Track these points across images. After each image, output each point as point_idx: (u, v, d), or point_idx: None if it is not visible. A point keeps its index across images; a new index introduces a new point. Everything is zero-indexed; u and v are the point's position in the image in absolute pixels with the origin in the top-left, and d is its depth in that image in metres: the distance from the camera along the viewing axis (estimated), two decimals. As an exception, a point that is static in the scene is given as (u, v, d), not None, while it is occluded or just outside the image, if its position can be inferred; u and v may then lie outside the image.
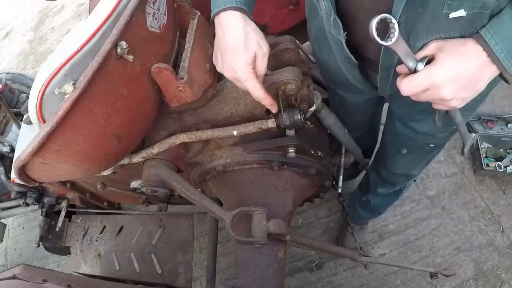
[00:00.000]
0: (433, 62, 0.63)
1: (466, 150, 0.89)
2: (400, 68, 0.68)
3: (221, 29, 0.76)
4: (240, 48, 0.74)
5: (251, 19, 0.77)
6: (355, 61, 0.83)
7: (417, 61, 0.64)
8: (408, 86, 0.65)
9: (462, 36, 0.65)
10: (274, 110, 0.87)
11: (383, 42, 0.61)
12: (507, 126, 2.09)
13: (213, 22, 0.79)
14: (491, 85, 0.90)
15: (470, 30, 0.64)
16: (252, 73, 0.77)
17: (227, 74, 0.79)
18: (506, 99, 2.26)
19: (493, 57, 0.60)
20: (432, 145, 1.12)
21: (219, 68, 0.81)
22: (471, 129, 2.10)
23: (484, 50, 0.60)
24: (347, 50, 0.79)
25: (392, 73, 0.80)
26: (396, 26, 0.60)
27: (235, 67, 0.75)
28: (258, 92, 0.80)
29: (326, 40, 0.84)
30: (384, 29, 0.61)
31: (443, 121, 0.83)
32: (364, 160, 1.50)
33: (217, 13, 0.75)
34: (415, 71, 0.64)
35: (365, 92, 1.06)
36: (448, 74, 0.61)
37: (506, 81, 0.66)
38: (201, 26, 1.00)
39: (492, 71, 0.62)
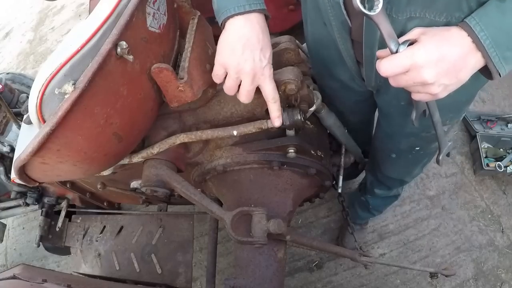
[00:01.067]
0: (415, 43, 0.62)
1: (440, 157, 0.87)
2: (381, 52, 0.67)
3: (250, 26, 0.77)
4: (269, 49, 0.79)
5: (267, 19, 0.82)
6: (350, 25, 0.80)
7: (399, 44, 0.63)
8: (388, 66, 0.63)
9: (448, 23, 0.65)
10: (280, 120, 0.88)
11: (365, 11, 0.59)
12: (507, 126, 2.10)
13: (229, 18, 0.77)
14: (477, 85, 0.90)
15: (456, 14, 0.64)
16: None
17: (248, 69, 0.77)
18: (506, 99, 2.26)
19: (478, 43, 0.59)
20: (417, 148, 1.11)
21: (234, 62, 0.78)
22: (471, 129, 2.10)
23: (468, 35, 0.60)
24: (344, 11, 0.78)
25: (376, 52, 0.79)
26: None
27: (264, 65, 0.78)
28: (277, 94, 0.84)
29: (323, 7, 0.83)
30: (369, 2, 0.60)
31: (420, 120, 0.82)
32: (364, 160, 1.50)
33: (247, 12, 0.76)
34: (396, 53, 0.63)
35: (353, 89, 1.05)
36: (431, 55, 0.60)
37: (489, 76, 0.65)
38: (201, 26, 1.00)
39: (476, 59, 0.61)
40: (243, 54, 0.77)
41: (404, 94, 0.86)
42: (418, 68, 0.61)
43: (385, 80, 0.87)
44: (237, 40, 0.77)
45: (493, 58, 0.60)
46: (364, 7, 0.59)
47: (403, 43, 0.63)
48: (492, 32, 0.58)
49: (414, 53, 0.61)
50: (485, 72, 0.64)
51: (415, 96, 0.69)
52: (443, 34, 0.62)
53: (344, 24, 0.81)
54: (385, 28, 0.61)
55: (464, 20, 0.61)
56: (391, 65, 0.63)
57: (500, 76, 0.64)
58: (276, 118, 0.87)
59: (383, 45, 0.72)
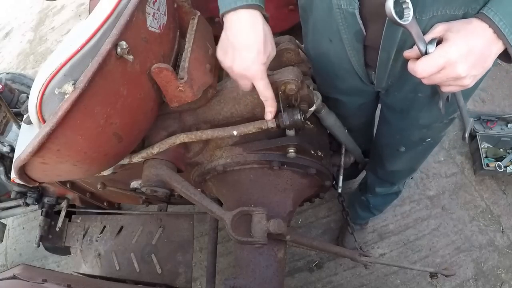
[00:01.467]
0: (444, 41, 0.65)
1: (467, 134, 0.92)
2: (408, 53, 0.70)
3: (239, 25, 0.75)
4: (260, 48, 0.75)
5: (266, 18, 0.79)
6: (364, 33, 0.81)
7: (427, 44, 0.65)
8: (425, 67, 0.65)
9: (465, 14, 0.69)
10: (272, 114, 0.88)
11: (401, 21, 0.61)
12: (507, 126, 2.10)
13: (223, 16, 0.77)
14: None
15: (473, 6, 0.67)
16: (265, 73, 0.79)
17: (238, 71, 0.78)
18: (506, 99, 2.26)
19: (498, 32, 0.62)
20: (428, 140, 1.12)
21: (227, 64, 0.80)
22: (471, 129, 2.10)
23: (490, 27, 0.63)
24: (360, 21, 0.78)
25: (393, 56, 0.80)
26: (411, 5, 0.61)
27: (251, 65, 0.76)
28: (269, 92, 0.82)
29: (330, 22, 0.83)
30: (397, 10, 0.62)
31: (433, 112, 0.86)
32: (364, 160, 1.50)
33: (235, 8, 0.74)
34: (425, 53, 0.66)
35: (359, 93, 1.06)
36: (461, 50, 0.63)
37: (509, 60, 0.68)
38: (201, 26, 1.00)
39: (498, 47, 0.65)
40: (229, 55, 0.78)
41: (422, 87, 0.88)
42: (453, 65, 0.64)
43: (398, 78, 0.89)
44: (226, 39, 0.78)
45: None
46: (398, 17, 0.61)
47: (431, 42, 0.65)
48: (510, 20, 0.62)
49: (447, 51, 0.63)
50: (504, 57, 0.68)
51: (445, 89, 0.72)
52: (466, 28, 0.65)
53: (357, 34, 0.81)
54: (415, 31, 0.64)
55: (482, 11, 0.64)
56: (427, 66, 0.65)
57: None
58: (268, 113, 0.87)
59: (401, 47, 0.75)
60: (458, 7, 0.69)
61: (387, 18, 0.71)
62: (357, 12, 0.76)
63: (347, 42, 0.85)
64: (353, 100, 1.11)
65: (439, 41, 0.66)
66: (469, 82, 0.67)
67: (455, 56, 0.63)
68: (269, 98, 0.83)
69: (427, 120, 1.01)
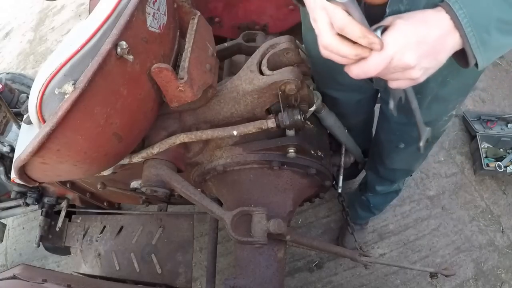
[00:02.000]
0: (390, 28, 0.59)
1: (421, 144, 0.85)
2: None
3: None
4: None
5: None
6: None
7: (373, 30, 0.58)
8: (376, 57, 0.58)
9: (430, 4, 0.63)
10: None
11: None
12: (507, 126, 2.10)
13: None
14: (475, 75, 0.89)
15: None
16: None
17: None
18: (506, 99, 2.26)
19: (456, 21, 0.57)
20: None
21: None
22: (471, 129, 2.10)
23: (447, 12, 0.58)
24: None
25: None
26: None
27: None
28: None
29: None
30: None
31: (399, 108, 0.81)
32: (364, 160, 1.50)
33: None
34: None
35: (358, 89, 1.05)
36: (410, 38, 0.58)
37: (466, 64, 0.62)
38: (201, 26, 1.00)
39: (454, 40, 0.59)
40: None
41: (421, 85, 0.86)
42: (399, 53, 0.58)
43: None
44: None
45: (470, 39, 0.58)
46: None
47: (377, 29, 0.60)
48: (470, 10, 0.56)
49: (394, 38, 0.57)
50: (462, 60, 0.63)
51: (393, 84, 0.66)
52: (418, 17, 0.60)
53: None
54: (357, 16, 0.57)
55: (447, 0, 0.59)
56: (378, 55, 0.59)
57: (477, 67, 0.61)
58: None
59: None
60: None
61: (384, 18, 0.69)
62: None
63: None
64: (351, 97, 1.11)
65: (385, 28, 0.59)
66: (419, 75, 0.61)
67: (402, 42, 0.57)
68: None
69: (427, 117, 1.00)
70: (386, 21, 0.61)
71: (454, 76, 0.86)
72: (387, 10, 0.67)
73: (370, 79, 0.96)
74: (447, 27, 0.58)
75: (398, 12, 0.67)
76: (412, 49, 0.58)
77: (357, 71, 0.61)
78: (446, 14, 0.58)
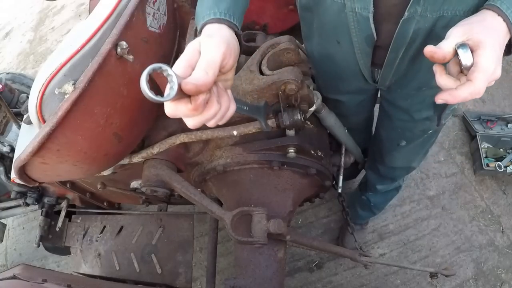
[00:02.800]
0: (480, 47, 0.58)
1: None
2: (431, 48, 0.60)
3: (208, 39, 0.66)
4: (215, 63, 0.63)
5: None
6: (375, 37, 0.80)
7: (458, 47, 0.57)
8: (483, 80, 0.58)
9: (476, 9, 0.65)
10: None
11: (157, 98, 0.49)
12: (507, 126, 2.10)
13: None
14: None
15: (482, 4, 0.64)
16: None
17: None
18: (506, 99, 2.26)
19: (508, 22, 0.60)
20: (431, 131, 1.12)
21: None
22: (471, 129, 2.10)
23: (504, 21, 0.60)
24: (372, 25, 0.77)
25: (401, 54, 0.80)
26: (175, 78, 0.49)
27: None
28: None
29: (340, 23, 0.82)
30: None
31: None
32: (364, 160, 1.50)
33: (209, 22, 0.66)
34: (457, 54, 0.58)
35: (360, 91, 1.06)
36: (497, 52, 0.59)
37: (508, 52, 0.65)
38: (201, 26, 1.00)
39: (508, 37, 0.62)
40: None
41: (427, 82, 0.88)
42: (495, 70, 0.59)
43: (403, 76, 0.89)
44: None
45: None
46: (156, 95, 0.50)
47: (462, 46, 0.57)
48: None
49: (490, 57, 0.57)
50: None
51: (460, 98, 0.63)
52: (487, 27, 0.60)
53: (368, 38, 0.81)
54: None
55: (492, 3, 0.61)
56: (484, 79, 0.58)
57: None
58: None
59: (410, 45, 0.76)
60: (468, 9, 0.66)
61: (402, 20, 0.71)
62: (371, 16, 0.76)
63: (357, 45, 0.84)
64: (353, 99, 1.11)
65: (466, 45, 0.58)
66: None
67: (495, 59, 0.57)
68: None
69: (431, 112, 1.01)
70: (457, 36, 0.59)
71: None
72: (406, 13, 0.70)
73: (375, 81, 0.97)
74: (505, 29, 0.61)
75: (416, 13, 0.70)
76: (499, 62, 0.59)
77: (465, 95, 0.59)
78: (499, 17, 0.60)
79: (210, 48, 0.56)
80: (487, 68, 0.57)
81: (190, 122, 0.58)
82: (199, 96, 0.53)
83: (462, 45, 0.57)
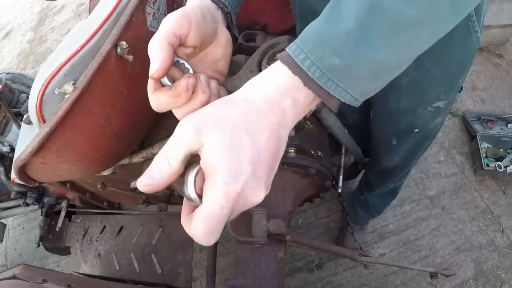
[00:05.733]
0: (206, 177, 0.43)
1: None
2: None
3: None
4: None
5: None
6: None
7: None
8: (199, 226, 0.45)
9: None
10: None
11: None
12: (507, 126, 2.10)
13: None
14: (468, 52, 0.85)
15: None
16: None
17: None
18: (506, 99, 2.27)
19: (297, 71, 0.46)
20: (416, 130, 1.10)
21: None
22: (471, 129, 2.10)
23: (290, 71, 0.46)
24: None
25: None
26: None
27: None
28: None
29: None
30: None
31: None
32: (364, 160, 1.50)
33: None
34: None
35: None
36: (232, 173, 0.41)
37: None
38: (201, 26, 1.00)
39: (301, 95, 0.47)
40: None
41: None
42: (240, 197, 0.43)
43: None
44: None
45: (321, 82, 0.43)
46: None
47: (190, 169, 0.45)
48: (313, 44, 0.44)
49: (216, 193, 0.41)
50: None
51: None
52: (225, 123, 0.42)
53: None
54: None
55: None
56: (204, 225, 0.44)
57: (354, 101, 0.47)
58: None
59: None
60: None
61: None
62: None
63: None
64: None
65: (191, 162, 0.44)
66: (265, 194, 0.45)
67: (228, 193, 0.40)
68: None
69: (409, 103, 0.99)
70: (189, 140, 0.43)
71: (433, 62, 0.84)
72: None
73: None
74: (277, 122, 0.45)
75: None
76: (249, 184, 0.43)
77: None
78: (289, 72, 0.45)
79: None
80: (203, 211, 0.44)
81: (178, 114, 0.50)
82: (179, 82, 0.48)
83: (190, 168, 0.46)
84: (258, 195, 0.44)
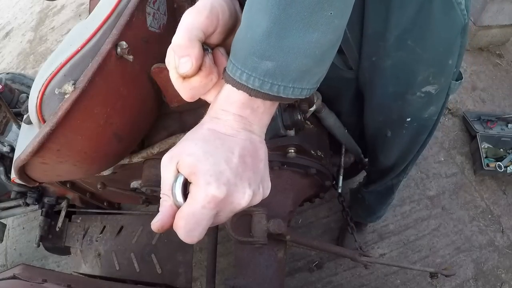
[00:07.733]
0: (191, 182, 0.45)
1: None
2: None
3: None
4: None
5: None
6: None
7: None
8: (185, 223, 0.46)
9: None
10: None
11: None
12: (507, 126, 2.10)
13: None
14: (454, 29, 0.82)
15: None
16: None
17: None
18: (506, 99, 2.27)
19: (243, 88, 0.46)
20: (409, 119, 1.05)
21: None
22: (471, 129, 2.10)
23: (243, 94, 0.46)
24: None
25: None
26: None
27: None
28: None
29: None
30: None
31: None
32: (364, 160, 1.50)
33: None
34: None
35: (338, 81, 1.04)
36: (210, 178, 0.44)
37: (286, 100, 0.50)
38: (201, 26, 1.00)
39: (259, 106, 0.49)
40: None
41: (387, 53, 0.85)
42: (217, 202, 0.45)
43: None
44: None
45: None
46: None
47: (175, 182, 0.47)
48: (243, 57, 0.44)
49: (195, 196, 0.44)
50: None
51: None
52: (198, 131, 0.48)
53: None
54: None
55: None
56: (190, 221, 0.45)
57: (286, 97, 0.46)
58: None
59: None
60: None
61: None
62: None
63: (348, 27, 0.84)
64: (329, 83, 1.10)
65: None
66: (250, 199, 0.47)
67: (209, 193, 0.42)
68: None
69: (396, 88, 0.95)
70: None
71: (416, 40, 0.80)
72: None
73: (349, 66, 0.96)
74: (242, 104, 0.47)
75: None
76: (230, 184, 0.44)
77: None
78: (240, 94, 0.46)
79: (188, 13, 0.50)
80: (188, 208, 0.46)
81: (212, 94, 0.51)
82: (205, 60, 0.47)
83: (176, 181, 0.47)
84: (243, 196, 0.46)
